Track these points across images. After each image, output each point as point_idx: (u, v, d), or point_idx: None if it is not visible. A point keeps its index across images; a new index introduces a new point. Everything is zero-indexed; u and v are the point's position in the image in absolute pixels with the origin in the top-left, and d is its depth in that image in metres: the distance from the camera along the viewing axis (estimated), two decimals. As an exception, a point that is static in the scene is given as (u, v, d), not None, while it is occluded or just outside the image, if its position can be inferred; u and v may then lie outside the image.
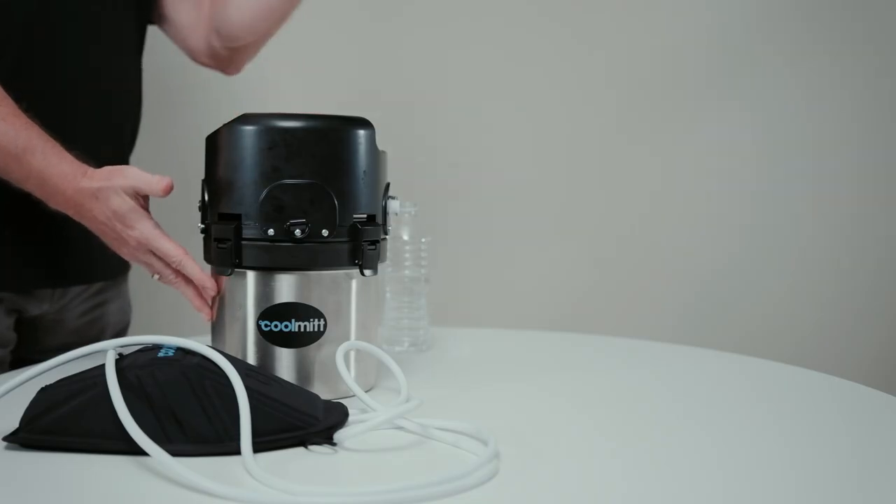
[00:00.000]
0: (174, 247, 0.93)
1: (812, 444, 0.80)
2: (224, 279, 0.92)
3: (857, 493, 0.70)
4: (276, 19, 1.25)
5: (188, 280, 0.94)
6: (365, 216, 0.91)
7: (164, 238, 0.94)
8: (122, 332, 1.32)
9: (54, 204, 0.98)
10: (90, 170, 0.96)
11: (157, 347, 0.77)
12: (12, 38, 1.09)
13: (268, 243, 0.88)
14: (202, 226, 0.93)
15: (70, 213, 0.97)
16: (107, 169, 0.95)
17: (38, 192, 0.98)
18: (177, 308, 1.71)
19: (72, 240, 1.10)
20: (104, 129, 1.21)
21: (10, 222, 1.10)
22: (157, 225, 0.94)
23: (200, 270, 0.93)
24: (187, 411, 0.72)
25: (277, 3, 1.23)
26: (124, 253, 0.97)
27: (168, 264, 0.94)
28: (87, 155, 0.99)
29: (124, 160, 1.27)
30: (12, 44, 1.09)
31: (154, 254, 0.94)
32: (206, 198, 0.92)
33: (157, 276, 0.96)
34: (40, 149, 0.97)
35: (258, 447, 0.70)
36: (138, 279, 1.42)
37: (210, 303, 0.94)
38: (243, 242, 0.89)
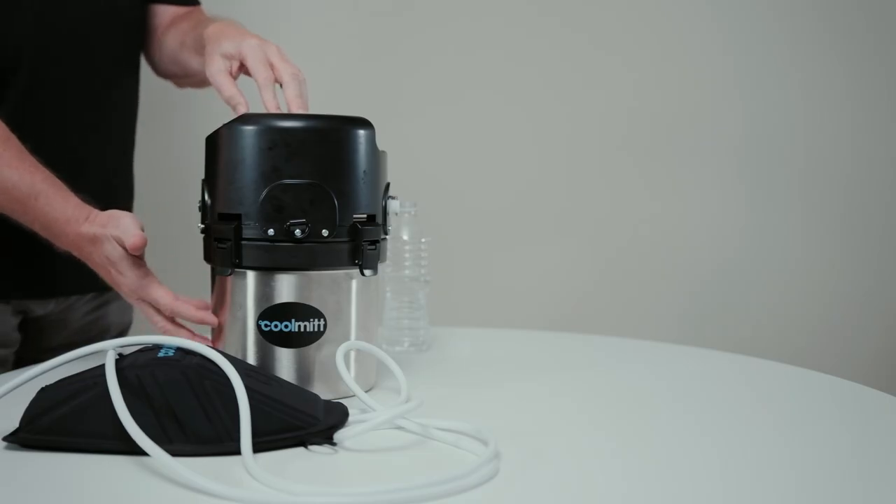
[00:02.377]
0: (164, 294, 0.94)
1: (812, 444, 0.80)
2: (224, 280, 0.91)
3: (857, 493, 0.70)
4: (191, 84, 1.29)
5: (178, 325, 0.95)
6: (365, 216, 0.91)
7: (154, 286, 0.94)
8: (124, 332, 1.33)
9: (59, 244, 0.99)
10: (92, 213, 0.97)
11: (157, 347, 0.77)
12: (17, 79, 1.11)
13: (268, 243, 0.88)
14: (202, 226, 0.93)
15: (74, 253, 0.99)
16: (106, 214, 0.96)
17: (43, 234, 0.99)
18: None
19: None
20: (107, 143, 1.23)
21: (15, 235, 1.11)
22: (148, 273, 0.95)
23: (196, 310, 0.93)
24: (187, 411, 0.72)
25: (189, 81, 1.27)
26: (122, 294, 0.98)
27: (159, 311, 0.95)
28: (93, 167, 0.98)
29: (129, 168, 1.29)
30: (18, 83, 1.11)
31: (145, 300, 0.95)
32: (206, 198, 0.92)
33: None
34: (44, 193, 0.98)
35: (258, 447, 0.70)
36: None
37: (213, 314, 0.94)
38: (243, 242, 0.88)
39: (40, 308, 1.18)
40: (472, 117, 1.91)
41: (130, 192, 1.30)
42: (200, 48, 1.07)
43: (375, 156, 0.92)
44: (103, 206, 0.98)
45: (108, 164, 1.23)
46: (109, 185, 1.23)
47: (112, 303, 1.28)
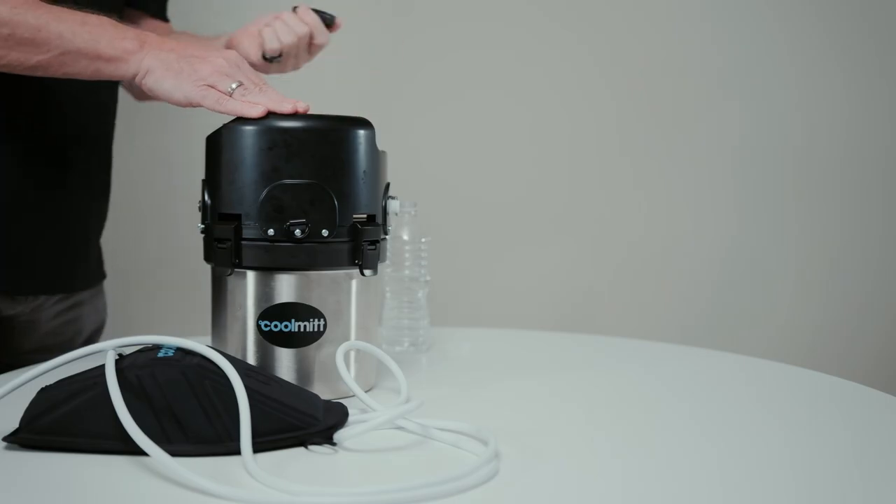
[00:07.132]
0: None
1: (812, 444, 0.80)
2: (224, 280, 0.91)
3: (858, 493, 0.70)
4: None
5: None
6: (365, 216, 0.91)
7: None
8: (98, 332, 1.29)
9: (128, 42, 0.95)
10: None
11: (157, 347, 0.77)
12: None
13: (268, 243, 0.88)
14: (202, 226, 0.93)
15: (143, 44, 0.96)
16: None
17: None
18: (168, 308, 1.71)
19: (50, 249, 1.08)
20: (82, 142, 1.20)
21: None
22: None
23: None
24: (187, 411, 0.72)
25: None
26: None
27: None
28: (69, 164, 0.94)
29: (108, 171, 1.27)
30: None
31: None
32: (206, 198, 0.92)
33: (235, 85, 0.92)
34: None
35: (258, 447, 0.70)
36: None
37: None
38: (243, 242, 0.88)
39: (9, 307, 1.14)
40: (472, 117, 1.91)
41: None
42: None
43: (375, 156, 0.92)
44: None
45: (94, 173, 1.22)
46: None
47: (84, 304, 1.25)
